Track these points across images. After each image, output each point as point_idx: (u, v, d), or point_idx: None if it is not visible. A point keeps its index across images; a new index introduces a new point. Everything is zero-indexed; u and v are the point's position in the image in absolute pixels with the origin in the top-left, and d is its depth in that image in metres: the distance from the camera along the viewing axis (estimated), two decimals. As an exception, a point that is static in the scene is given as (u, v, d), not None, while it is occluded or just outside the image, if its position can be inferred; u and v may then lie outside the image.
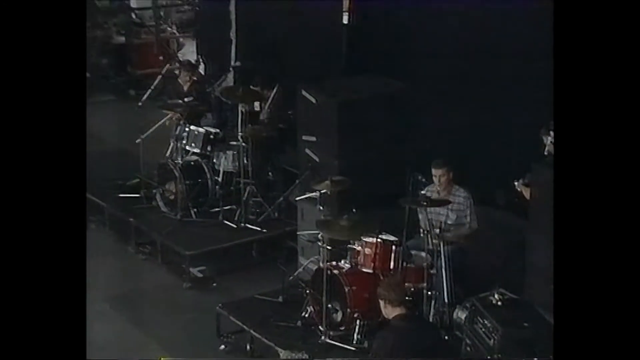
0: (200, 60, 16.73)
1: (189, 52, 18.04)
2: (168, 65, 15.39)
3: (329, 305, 9.09)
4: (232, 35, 15.36)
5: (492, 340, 7.56)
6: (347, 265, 9.38)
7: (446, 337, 8.81)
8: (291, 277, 10.30)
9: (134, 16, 19.68)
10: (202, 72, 16.04)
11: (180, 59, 16.72)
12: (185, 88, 13.62)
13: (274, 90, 12.77)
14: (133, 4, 19.76)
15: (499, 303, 7.71)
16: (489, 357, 7.68)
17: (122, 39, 18.83)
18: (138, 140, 13.03)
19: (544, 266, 8.08)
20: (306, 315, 9.47)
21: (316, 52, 14.24)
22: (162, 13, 19.33)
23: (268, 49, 14.85)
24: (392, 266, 9.21)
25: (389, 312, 7.15)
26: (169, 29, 19.17)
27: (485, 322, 7.73)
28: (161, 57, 16.28)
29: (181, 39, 19.22)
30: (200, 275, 11.37)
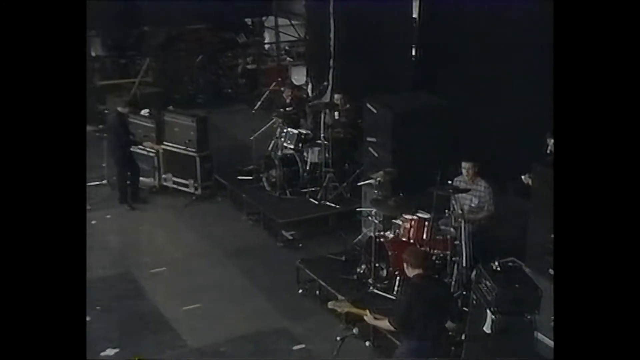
0: (309, 82, 16.71)
1: (300, 75, 18.08)
2: (274, 83, 15.48)
3: (377, 265, 9.12)
4: (331, 63, 15.21)
5: (490, 297, 7.29)
6: (391, 235, 9.43)
7: (464, 293, 8.62)
8: (353, 242, 10.32)
9: (264, 49, 19.96)
10: (310, 91, 16.18)
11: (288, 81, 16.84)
12: (288, 101, 13.88)
13: (349, 104, 12.75)
14: (265, 41, 20.07)
15: (498, 269, 7.51)
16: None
17: (255, 65, 19.11)
18: (251, 138, 13.38)
19: (542, 240, 7.84)
20: (360, 271, 9.53)
21: (389, 76, 14.04)
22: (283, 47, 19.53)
23: (353, 74, 14.79)
24: (424, 237, 9.07)
25: (410, 272, 7.00)
26: (288, 58, 19.38)
27: (487, 283, 7.52)
28: (280, 79, 16.26)
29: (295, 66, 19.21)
30: (290, 237, 11.43)
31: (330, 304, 7.40)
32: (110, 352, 8.73)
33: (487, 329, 7.11)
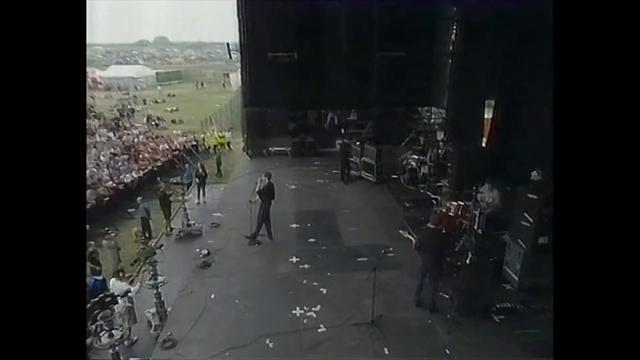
0: (444, 137, 15.31)
1: (440, 134, 16.45)
2: (410, 135, 14.61)
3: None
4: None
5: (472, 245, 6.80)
6: (444, 210, 8.69)
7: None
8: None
9: (426, 122, 18.36)
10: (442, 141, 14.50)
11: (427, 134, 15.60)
12: (421, 143, 13.06)
13: (447, 147, 11.72)
14: (427, 118, 18.41)
15: (480, 232, 7.00)
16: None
17: (421, 128, 17.33)
18: (399, 158, 12.94)
19: (520, 222, 6.84)
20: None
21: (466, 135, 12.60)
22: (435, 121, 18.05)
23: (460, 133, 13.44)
24: (459, 214, 8.46)
25: (430, 225, 6.71)
26: (436, 126, 17.33)
27: (473, 239, 7.18)
28: (429, 135, 15.26)
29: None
30: (408, 206, 10.84)
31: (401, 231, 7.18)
32: (312, 240, 9.18)
33: (467, 262, 6.64)
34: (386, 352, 5.86)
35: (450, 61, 14.13)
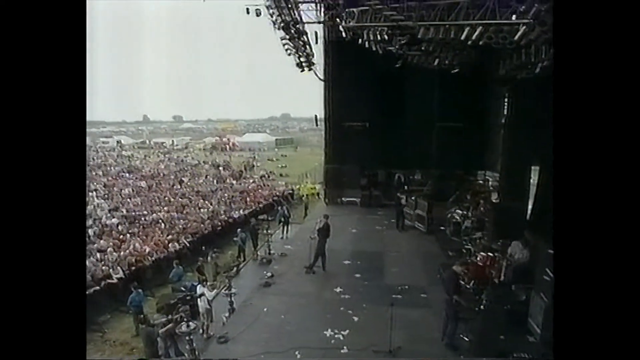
0: (497, 195, 13.54)
1: (495, 193, 14.75)
2: (457, 191, 13.25)
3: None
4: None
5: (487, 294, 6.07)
6: (475, 261, 7.93)
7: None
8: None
9: (482, 183, 16.64)
10: (497, 199, 12.87)
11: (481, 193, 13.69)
12: (468, 198, 11.99)
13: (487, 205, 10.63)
14: (481, 178, 16.62)
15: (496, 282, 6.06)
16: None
17: (475, 189, 15.44)
18: (446, 212, 11.89)
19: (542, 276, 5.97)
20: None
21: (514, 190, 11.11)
22: (492, 183, 16.21)
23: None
24: (488, 264, 7.64)
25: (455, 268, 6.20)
26: (491, 187, 15.05)
27: (489, 287, 6.17)
28: (482, 194, 13.77)
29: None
30: (451, 255, 9.87)
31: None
32: (357, 275, 8.90)
33: (481, 307, 5.97)
34: (395, 379, 5.45)
35: (502, 132, 13.49)
